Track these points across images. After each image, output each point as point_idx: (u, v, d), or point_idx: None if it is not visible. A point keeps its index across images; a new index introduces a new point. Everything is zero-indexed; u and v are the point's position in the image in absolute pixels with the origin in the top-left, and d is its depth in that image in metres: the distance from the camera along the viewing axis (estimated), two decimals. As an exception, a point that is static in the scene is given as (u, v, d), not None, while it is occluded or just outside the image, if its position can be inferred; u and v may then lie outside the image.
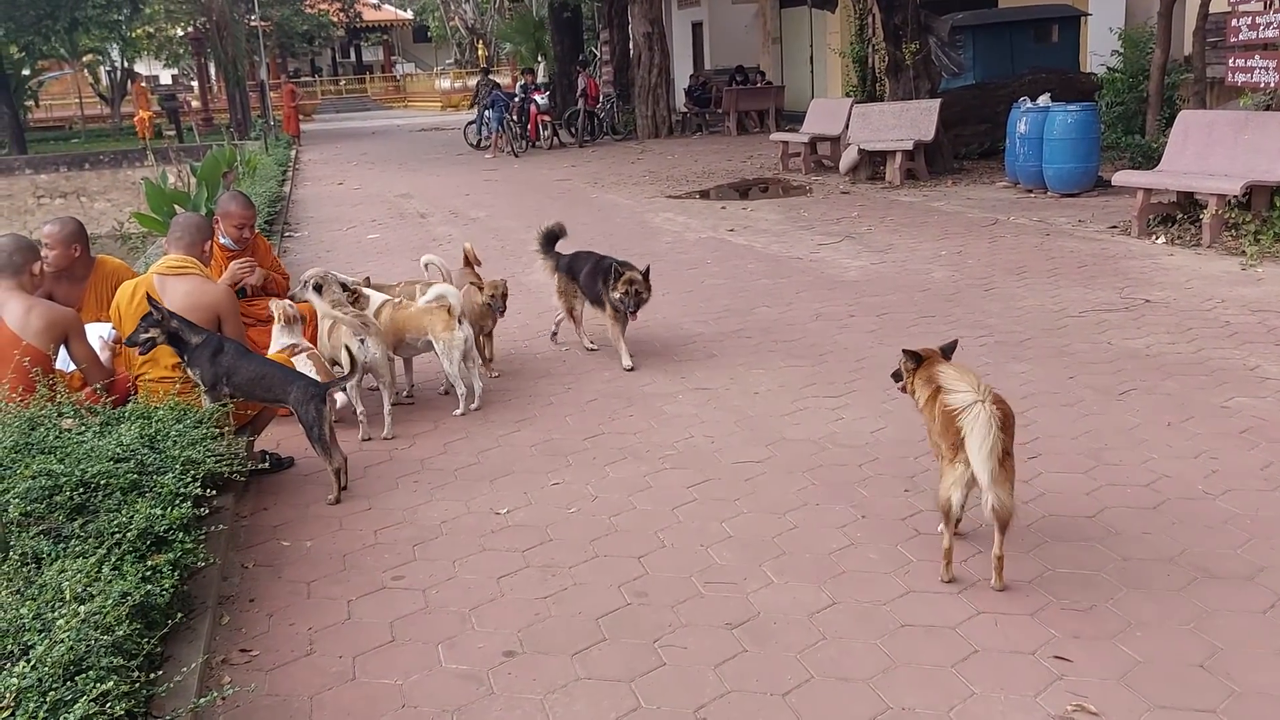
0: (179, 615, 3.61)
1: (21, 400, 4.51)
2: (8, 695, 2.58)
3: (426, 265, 7.32)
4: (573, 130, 26.25)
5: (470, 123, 27.92)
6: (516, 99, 25.44)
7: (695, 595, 4.10)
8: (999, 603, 3.88)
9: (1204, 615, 3.73)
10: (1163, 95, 13.90)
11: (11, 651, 2.83)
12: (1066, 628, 3.69)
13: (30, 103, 40.61)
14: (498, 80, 29.86)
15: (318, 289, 6.21)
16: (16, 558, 3.40)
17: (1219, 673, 3.39)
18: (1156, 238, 10.24)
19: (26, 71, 37.52)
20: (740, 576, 4.22)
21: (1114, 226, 10.96)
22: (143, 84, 39.65)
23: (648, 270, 7.02)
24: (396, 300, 6.68)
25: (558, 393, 6.71)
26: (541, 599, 4.13)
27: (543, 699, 3.46)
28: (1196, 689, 3.32)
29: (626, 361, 7.08)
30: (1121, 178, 11.01)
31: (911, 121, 15.27)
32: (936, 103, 15.32)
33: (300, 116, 45.59)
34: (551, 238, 7.80)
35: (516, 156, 23.76)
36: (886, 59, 16.27)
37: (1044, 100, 13.33)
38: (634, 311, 6.95)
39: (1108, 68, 16.50)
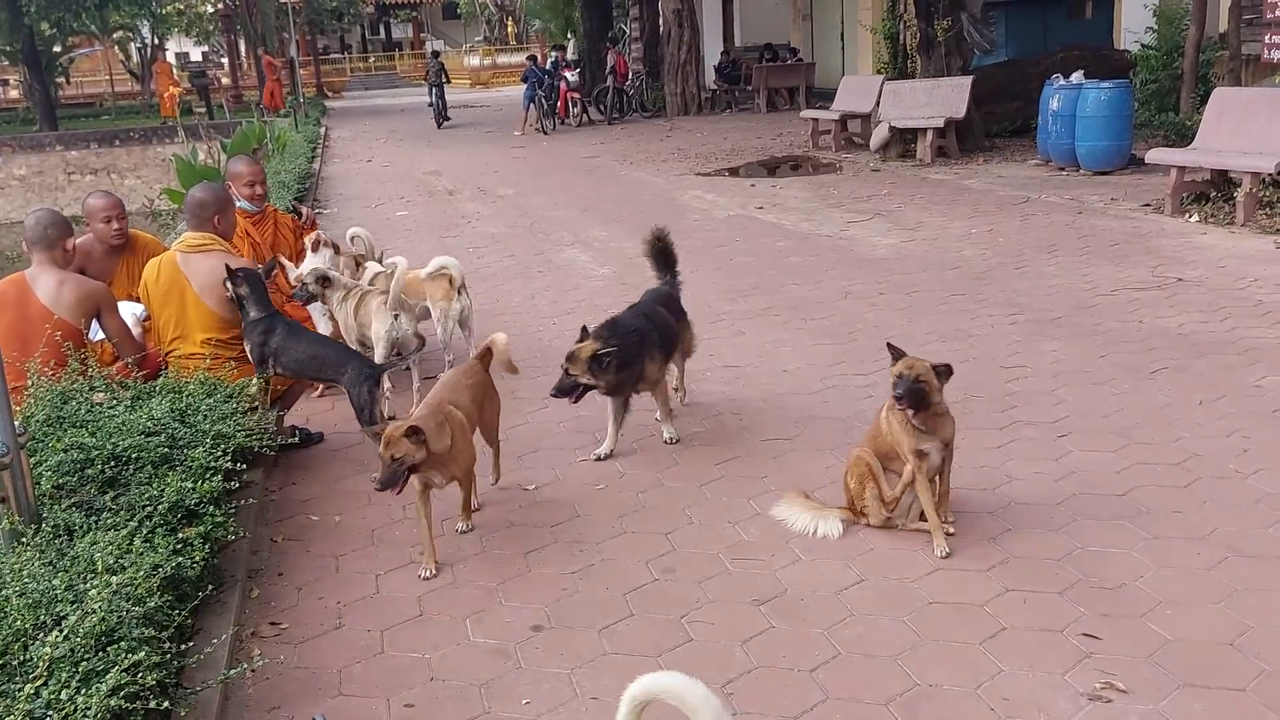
0: (209, 588, 3.65)
1: (53, 374, 4.55)
2: (41, 664, 2.61)
3: (352, 238, 7.35)
4: (602, 107, 26.19)
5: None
6: (546, 75, 25.40)
7: (723, 572, 4.10)
8: (1027, 581, 3.86)
9: (1234, 594, 3.69)
10: (1197, 72, 13.71)
11: (44, 622, 2.86)
12: (1096, 606, 3.67)
13: (61, 79, 40.85)
14: (535, 54, 29.82)
15: (325, 281, 6.17)
16: (49, 529, 3.44)
17: (1249, 651, 3.36)
18: (1190, 216, 10.11)
19: (57, 48, 37.72)
20: (768, 553, 4.21)
21: (1147, 205, 10.83)
22: (165, 62, 39.81)
23: (602, 352, 4.97)
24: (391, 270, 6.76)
25: (585, 370, 6.70)
26: (569, 574, 4.14)
27: (570, 673, 3.47)
28: (1226, 667, 3.29)
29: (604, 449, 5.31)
30: (1155, 155, 10.88)
31: (943, 99, 15.13)
32: (968, 80, 15.16)
33: (330, 93, 45.56)
34: (663, 254, 5.93)
35: (545, 134, 23.73)
36: (918, 35, 16.11)
37: (1077, 77, 13.16)
38: (562, 395, 5.10)
39: (1142, 45, 16.27)
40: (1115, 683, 3.23)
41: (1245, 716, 3.06)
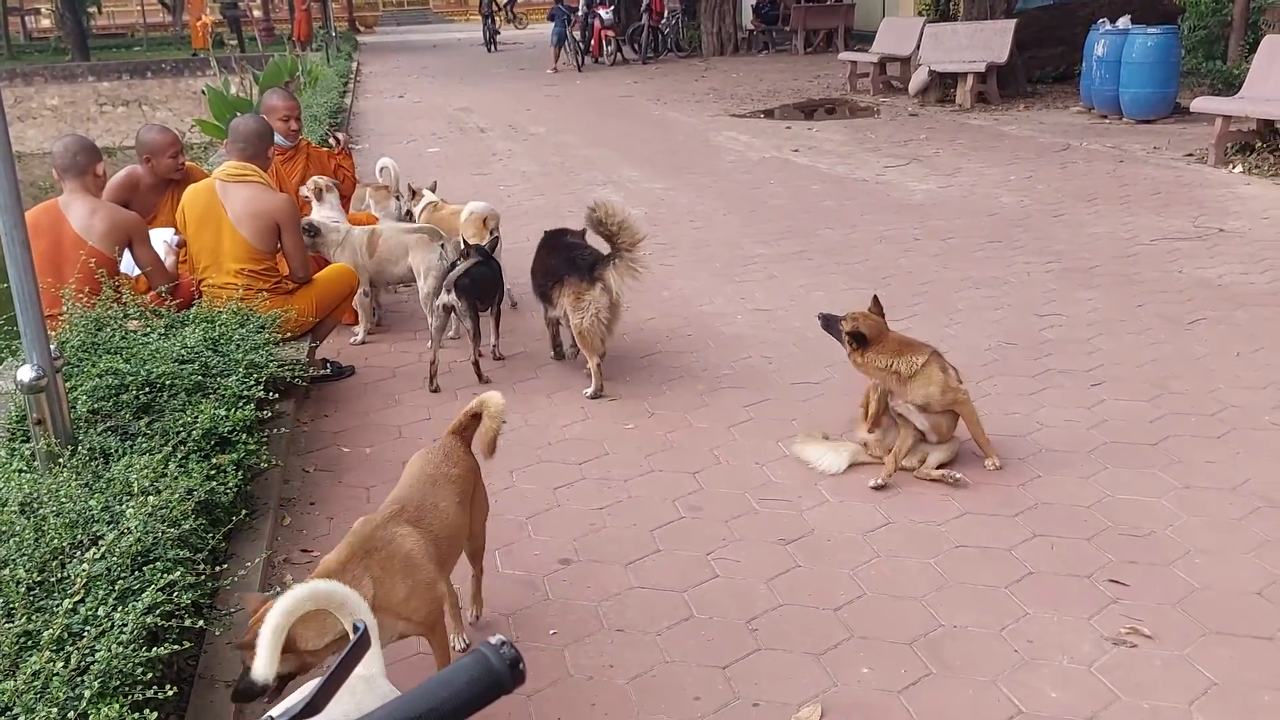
0: (242, 513, 3.69)
1: (87, 301, 4.58)
2: (78, 581, 2.65)
3: (381, 169, 7.41)
4: (636, 46, 25.88)
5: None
6: (579, 13, 25.17)
7: (749, 511, 4.11)
8: (1056, 527, 3.85)
9: (1265, 544, 3.67)
10: (1247, 20, 13.39)
11: (81, 541, 2.90)
12: (1124, 553, 3.66)
13: (93, 9, 40.71)
14: None
15: (312, 232, 6.01)
16: (85, 452, 3.48)
17: (1277, 601, 3.35)
18: (1234, 166, 9.93)
19: (90, -22, 37.60)
20: (795, 494, 4.22)
21: (1190, 154, 10.65)
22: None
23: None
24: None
25: (615, 309, 6.69)
26: (597, 510, 4.17)
27: (596, 606, 3.51)
28: (1253, 616, 3.28)
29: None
30: (1201, 104, 10.67)
31: (985, 42, 14.86)
32: (1012, 23, 14.87)
33: (362, 27, 45.14)
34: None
35: (579, 71, 23.53)
36: (961, -24, 15.81)
37: (1124, 22, 12.89)
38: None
39: (1191, -11, 15.89)
40: (1141, 628, 3.23)
41: (1271, 664, 3.06)
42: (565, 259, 5.47)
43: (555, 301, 5.45)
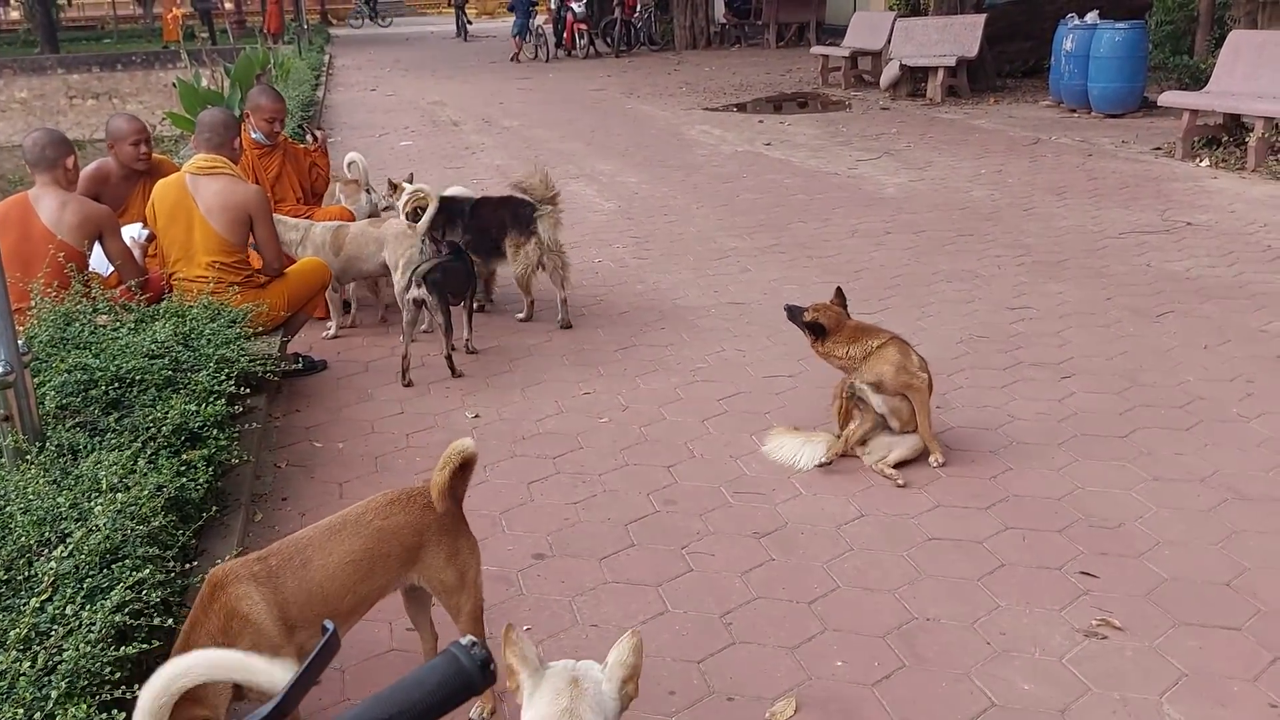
0: (213, 510, 3.65)
1: (56, 296, 4.53)
2: (45, 579, 2.62)
3: (349, 164, 7.37)
4: (609, 40, 25.86)
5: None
6: (551, 4, 25.16)
7: (724, 505, 4.11)
8: (1027, 519, 3.88)
9: (1233, 535, 3.71)
10: (1214, 15, 13.52)
11: (49, 538, 2.87)
12: (1094, 545, 3.69)
13: (62, 1, 40.25)
14: None
15: None
16: (53, 449, 3.43)
17: (1245, 592, 3.39)
18: (1201, 160, 10.03)
19: (59, -30, 37.14)
20: (769, 488, 4.23)
21: (1158, 148, 10.74)
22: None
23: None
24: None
25: (589, 304, 6.68)
26: (571, 504, 4.16)
27: (571, 600, 3.50)
28: (1222, 607, 3.31)
29: None
30: (1168, 98, 10.76)
31: (955, 37, 14.94)
32: (981, 18, 14.96)
33: (335, 20, 44.78)
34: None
35: (547, 63, 23.47)
36: (932, -29, 15.88)
37: (1092, 17, 12.99)
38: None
39: (1159, -16, 16.01)
40: (1111, 620, 3.26)
41: (1239, 655, 3.09)
42: (510, 216, 6.25)
43: (504, 252, 6.27)
